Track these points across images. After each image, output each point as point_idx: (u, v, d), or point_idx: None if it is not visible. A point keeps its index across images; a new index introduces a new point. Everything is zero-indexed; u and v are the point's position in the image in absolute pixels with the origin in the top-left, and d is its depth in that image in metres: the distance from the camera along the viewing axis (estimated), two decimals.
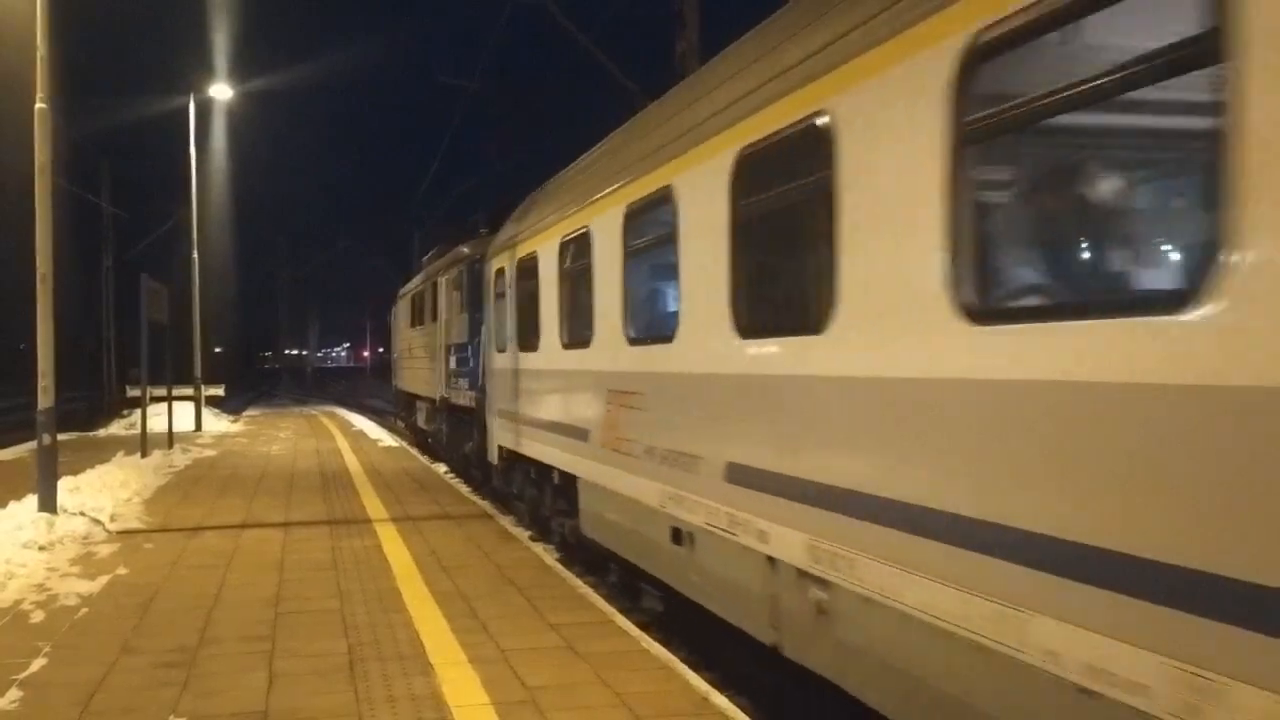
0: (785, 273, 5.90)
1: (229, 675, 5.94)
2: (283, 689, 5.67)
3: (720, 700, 5.50)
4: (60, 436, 11.49)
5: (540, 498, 11.54)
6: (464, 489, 15.12)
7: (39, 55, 11.22)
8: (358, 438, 24.65)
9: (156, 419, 20.83)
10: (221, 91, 29.71)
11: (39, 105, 11.19)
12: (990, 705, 3.83)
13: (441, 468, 18.40)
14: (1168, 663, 2.94)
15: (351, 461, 18.61)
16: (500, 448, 12.91)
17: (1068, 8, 3.31)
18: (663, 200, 6.98)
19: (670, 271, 6.99)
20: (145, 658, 6.31)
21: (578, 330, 9.29)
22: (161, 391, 21.92)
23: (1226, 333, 2.80)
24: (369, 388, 65.64)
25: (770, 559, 5.52)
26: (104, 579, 8.56)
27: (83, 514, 11.11)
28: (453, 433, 18.36)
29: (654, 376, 7.31)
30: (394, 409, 29.65)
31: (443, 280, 18.98)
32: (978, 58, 3.74)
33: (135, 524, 11.37)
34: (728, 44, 6.83)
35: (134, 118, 35.96)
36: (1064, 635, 3.32)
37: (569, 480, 9.86)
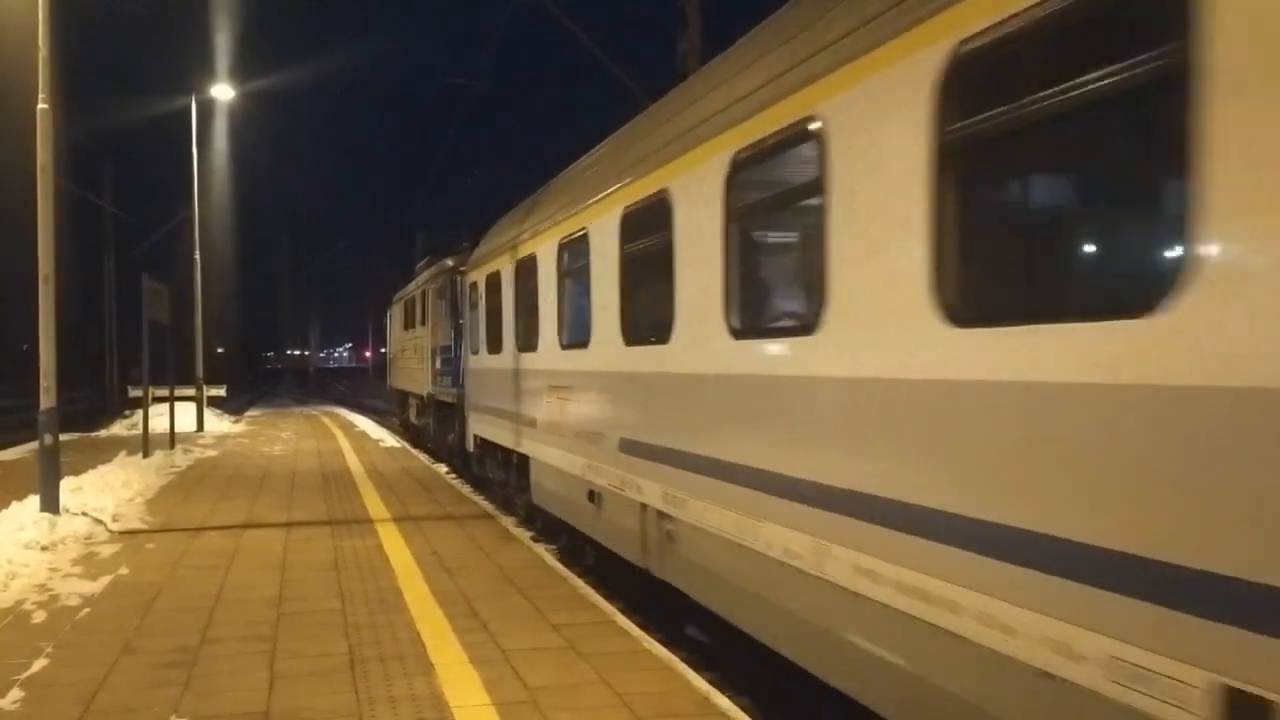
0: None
1: (230, 675, 5.94)
2: (284, 689, 5.67)
3: (721, 700, 5.50)
4: (62, 437, 11.50)
5: (507, 478, 13.45)
6: (465, 489, 15.12)
7: (41, 55, 11.23)
8: (359, 438, 24.66)
9: (158, 419, 20.84)
10: (223, 92, 29.72)
11: (41, 105, 11.20)
12: (749, 583, 5.99)
13: (442, 468, 18.41)
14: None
15: (353, 462, 18.62)
16: (475, 436, 15.17)
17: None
18: (582, 238, 9.14)
19: (583, 294, 9.16)
20: (147, 658, 6.32)
21: (528, 338, 11.32)
22: (163, 392, 21.92)
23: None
24: (370, 388, 65.66)
25: (643, 505, 7.71)
26: (106, 579, 8.56)
27: (85, 514, 11.12)
28: (439, 425, 20.56)
29: (577, 374, 9.45)
30: (391, 407, 32.31)
31: (430, 289, 21.50)
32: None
33: (137, 524, 11.38)
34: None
35: (137, 118, 36.01)
36: (760, 527, 5.63)
37: (524, 460, 11.91)
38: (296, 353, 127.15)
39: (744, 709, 5.59)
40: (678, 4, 14.43)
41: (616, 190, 8.24)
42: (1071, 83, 3.36)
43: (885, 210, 4.43)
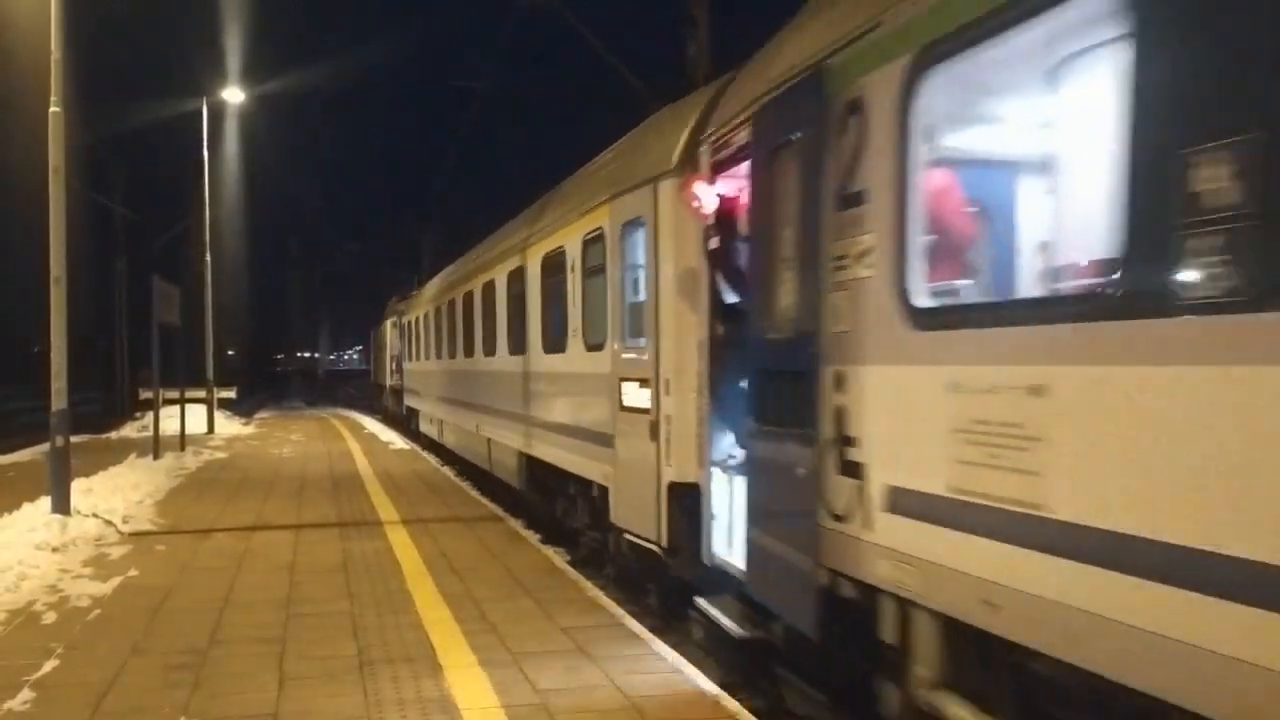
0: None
1: (239, 677, 5.94)
2: (293, 691, 5.67)
3: (731, 703, 5.47)
4: (73, 439, 11.53)
5: (408, 420, 28.02)
6: (474, 491, 15.13)
7: (53, 59, 11.28)
8: (369, 440, 24.71)
9: (169, 421, 20.90)
10: (234, 95, 29.84)
11: (53, 109, 11.24)
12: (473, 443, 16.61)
13: (451, 470, 18.43)
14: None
15: (362, 464, 18.65)
16: (407, 407, 28.49)
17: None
18: (452, 301, 17.58)
19: (447, 330, 19.32)
20: (156, 659, 6.32)
21: (426, 352, 23.29)
22: (174, 394, 22.00)
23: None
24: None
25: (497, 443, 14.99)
26: (116, 580, 8.58)
27: (95, 516, 11.15)
28: (394, 403, 33.83)
29: (445, 372, 19.76)
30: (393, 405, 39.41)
31: (389, 322, 36.48)
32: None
33: (147, 526, 11.41)
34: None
35: (148, 121, 36.08)
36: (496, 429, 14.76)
37: (416, 413, 26.01)
38: (307, 355, 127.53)
39: (754, 712, 5.57)
40: (688, 6, 14.43)
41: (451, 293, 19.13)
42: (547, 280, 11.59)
43: (567, 292, 10.50)
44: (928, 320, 4.19)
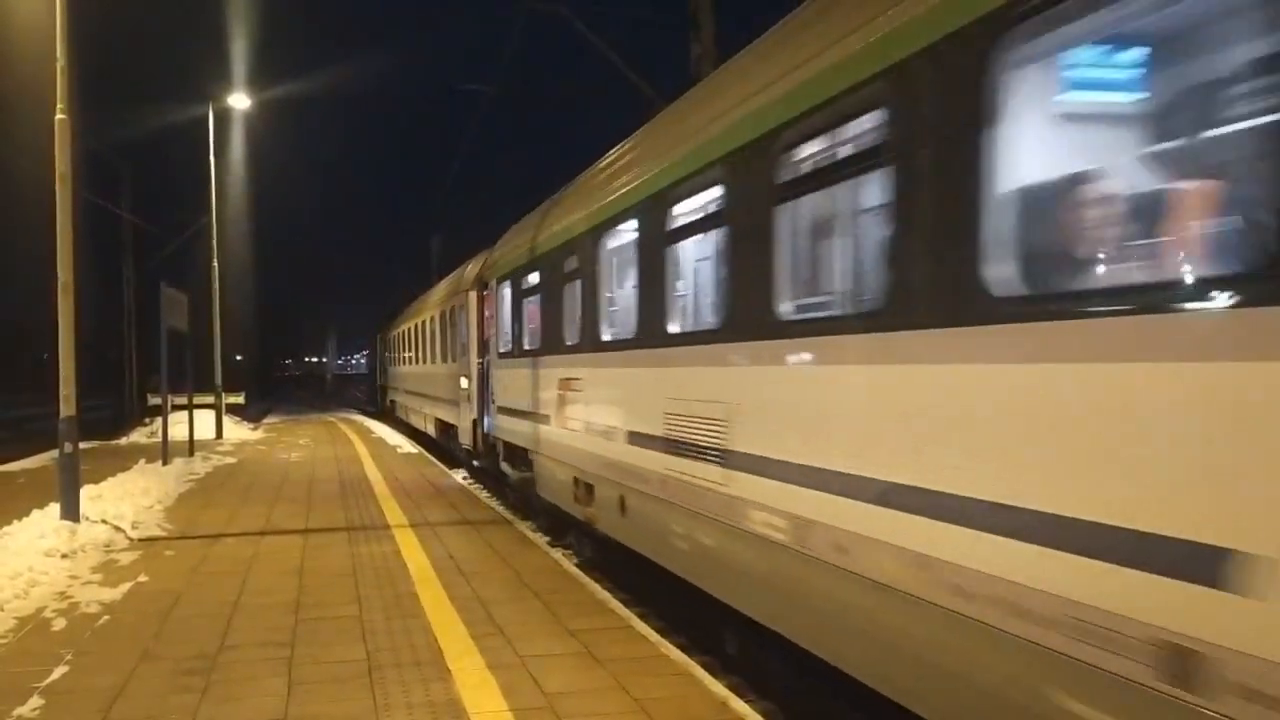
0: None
1: (248, 682, 5.95)
2: (302, 695, 5.68)
3: (739, 705, 5.46)
4: (82, 445, 11.56)
5: (393, 410, 37.41)
6: (483, 494, 15.14)
7: (58, 66, 11.31)
8: (377, 444, 24.74)
9: (178, 427, 20.95)
10: (240, 101, 29.88)
11: (59, 116, 11.28)
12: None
13: (460, 474, 18.45)
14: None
15: (370, 468, 18.67)
16: (391, 400, 38.69)
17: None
18: (422, 322, 26.93)
19: (415, 345, 29.34)
20: (166, 664, 6.33)
21: (393, 362, 38.36)
22: (182, 399, 22.06)
23: None
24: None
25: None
26: (125, 586, 8.60)
27: (104, 521, 11.18)
28: (383, 397, 43.54)
29: (418, 373, 28.32)
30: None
31: (380, 336, 47.90)
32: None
33: (156, 531, 11.44)
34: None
35: (155, 127, 36.21)
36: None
37: (393, 401, 38.05)
38: (315, 359, 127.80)
39: (763, 714, 5.56)
40: (690, 7, 14.42)
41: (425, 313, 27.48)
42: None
43: (438, 333, 23.06)
44: (509, 353, 13.64)
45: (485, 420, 15.71)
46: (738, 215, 6.02)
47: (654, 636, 6.87)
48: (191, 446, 20.57)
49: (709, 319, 6.88)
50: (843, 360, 4.87)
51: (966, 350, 3.92)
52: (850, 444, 4.74)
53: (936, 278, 4.10)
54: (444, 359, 21.24)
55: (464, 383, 17.47)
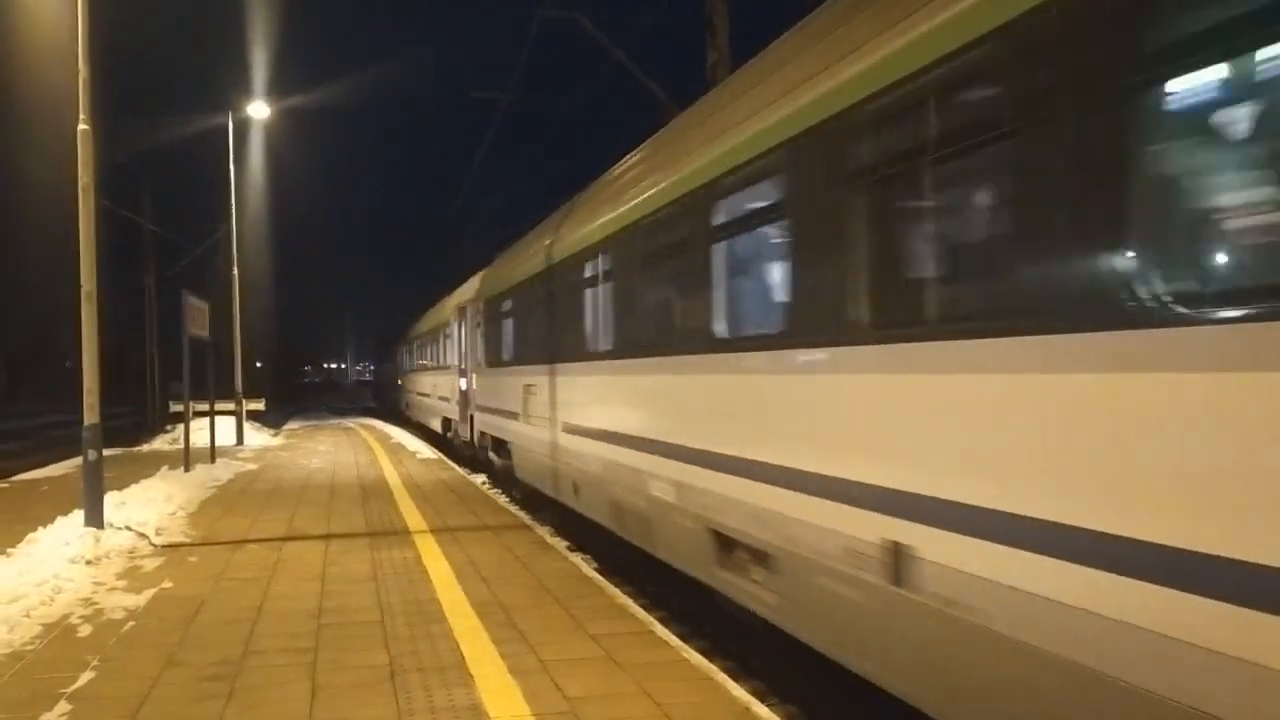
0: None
1: (272, 687, 5.98)
2: (325, 701, 5.70)
3: (761, 710, 5.44)
4: (105, 452, 11.65)
5: (398, 406, 45.58)
6: (502, 500, 15.17)
7: (80, 77, 11.41)
8: (395, 450, 24.84)
9: (199, 433, 21.11)
10: (259, 110, 30.09)
11: (81, 126, 11.39)
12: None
13: (479, 479, 18.49)
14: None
15: (390, 474, 18.74)
16: (407, 402, 41.16)
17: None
18: (419, 337, 36.05)
19: (409, 358, 40.81)
20: (190, 670, 6.37)
21: (404, 367, 44.18)
22: (204, 406, 22.21)
23: None
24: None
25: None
26: (149, 592, 8.66)
27: (128, 528, 11.26)
28: (395, 399, 49.12)
29: (411, 375, 39.23)
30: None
31: (389, 349, 59.44)
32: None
33: (180, 537, 11.52)
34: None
35: (176, 136, 36.51)
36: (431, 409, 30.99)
37: (403, 398, 44.11)
38: (334, 366, 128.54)
39: (785, 719, 5.53)
40: (706, 12, 14.43)
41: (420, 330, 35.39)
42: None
43: (444, 343, 27.16)
44: (488, 363, 18.27)
45: (475, 418, 20.48)
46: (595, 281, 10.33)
47: (675, 641, 6.86)
48: (213, 453, 20.70)
49: (591, 347, 10.64)
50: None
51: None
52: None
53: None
54: (444, 367, 26.50)
55: (463, 384, 22.09)
